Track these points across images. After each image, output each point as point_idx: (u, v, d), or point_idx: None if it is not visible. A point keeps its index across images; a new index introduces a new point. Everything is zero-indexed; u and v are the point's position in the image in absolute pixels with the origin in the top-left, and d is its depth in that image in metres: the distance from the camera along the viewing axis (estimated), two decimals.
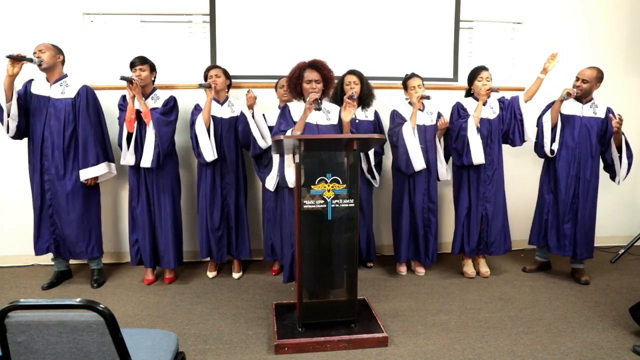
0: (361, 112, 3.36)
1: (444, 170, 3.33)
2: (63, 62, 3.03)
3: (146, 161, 3.00)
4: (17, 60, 2.75)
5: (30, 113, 2.97)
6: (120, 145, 3.07)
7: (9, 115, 2.86)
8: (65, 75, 3.03)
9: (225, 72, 3.22)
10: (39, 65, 2.88)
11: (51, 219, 3.05)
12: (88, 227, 3.10)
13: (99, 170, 3.05)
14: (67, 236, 3.05)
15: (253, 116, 3.22)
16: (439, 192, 3.43)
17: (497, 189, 3.30)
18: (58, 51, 2.98)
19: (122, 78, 2.90)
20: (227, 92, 3.30)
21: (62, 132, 2.97)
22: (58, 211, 3.02)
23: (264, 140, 3.20)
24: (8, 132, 2.93)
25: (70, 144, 3.00)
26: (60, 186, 2.99)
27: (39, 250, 3.09)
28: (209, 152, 3.07)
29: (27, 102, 2.96)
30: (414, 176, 3.23)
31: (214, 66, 3.23)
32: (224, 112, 3.21)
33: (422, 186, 3.25)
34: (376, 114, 3.42)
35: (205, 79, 3.19)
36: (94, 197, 3.16)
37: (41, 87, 2.98)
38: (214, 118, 3.15)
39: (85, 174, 3.01)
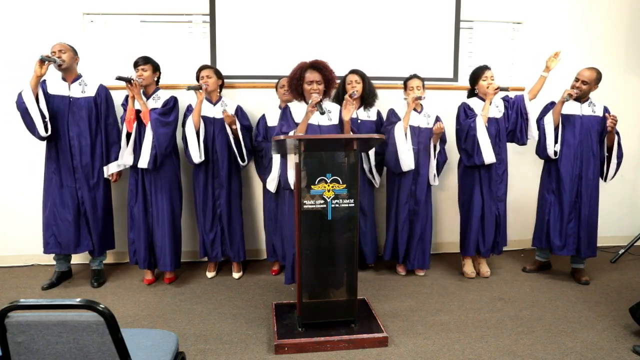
0: (363, 112, 3.35)
1: (431, 176, 3.28)
2: (78, 63, 3.06)
3: (143, 162, 3.01)
4: (44, 61, 2.76)
5: (51, 114, 2.95)
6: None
7: (44, 116, 2.86)
8: (81, 75, 3.07)
9: (216, 72, 3.20)
10: (59, 66, 2.89)
11: (86, 217, 3.09)
12: (110, 222, 3.24)
13: (121, 164, 3.12)
14: (97, 232, 3.13)
15: (234, 132, 3.18)
16: (434, 194, 3.41)
17: (506, 188, 3.31)
18: (75, 52, 3.03)
19: (118, 78, 2.89)
20: (220, 92, 3.29)
21: (89, 130, 3.02)
22: (87, 209, 3.08)
23: (243, 161, 3.23)
24: (46, 132, 2.88)
25: (96, 141, 3.06)
26: (89, 184, 3.06)
27: (80, 249, 3.12)
28: (196, 154, 3.07)
29: (47, 102, 2.94)
30: (400, 176, 3.22)
31: (205, 66, 3.20)
32: (216, 112, 3.19)
33: (408, 187, 3.23)
34: (379, 114, 3.42)
35: (197, 79, 3.18)
36: (109, 194, 3.25)
37: (59, 88, 3.00)
38: (206, 118, 3.14)
39: (109, 170, 3.11)
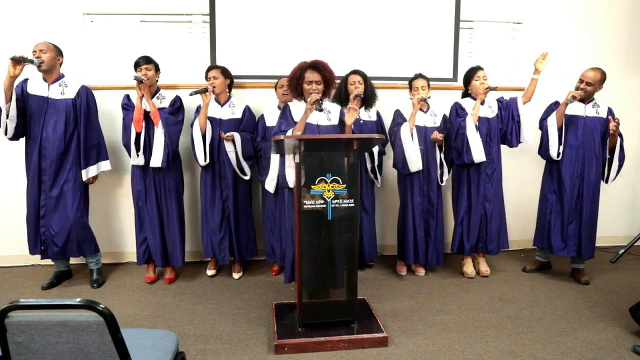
0: (364, 112, 3.36)
1: (438, 176, 3.29)
2: (61, 64, 3.03)
3: (156, 161, 3.01)
4: (19, 61, 2.74)
5: (28, 114, 2.95)
6: (125, 145, 3.08)
7: (7, 117, 2.84)
8: (63, 75, 3.03)
9: (224, 72, 3.20)
10: (39, 66, 2.87)
11: (43, 220, 3.02)
12: (83, 225, 3.10)
13: (99, 168, 3.10)
14: (61, 236, 3.02)
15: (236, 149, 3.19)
16: (442, 194, 3.41)
17: (496, 188, 3.30)
18: (58, 52, 2.98)
19: (136, 78, 2.90)
20: (229, 92, 3.30)
21: (64, 133, 2.97)
22: (51, 211, 3.00)
23: (244, 174, 3.25)
24: (6, 134, 2.91)
25: (70, 144, 3.00)
26: (56, 186, 2.99)
27: (34, 250, 3.08)
28: (201, 157, 3.09)
29: (25, 102, 2.94)
30: (411, 177, 3.23)
31: (212, 67, 3.21)
32: (223, 113, 3.21)
33: (419, 187, 3.25)
34: (378, 114, 3.43)
35: (206, 79, 3.19)
36: (86, 196, 3.17)
37: (39, 88, 2.97)
38: (213, 119, 3.15)
39: (87, 173, 3.04)
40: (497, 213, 3.32)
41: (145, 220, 3.16)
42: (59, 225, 3.00)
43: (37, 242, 3.05)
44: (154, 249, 3.18)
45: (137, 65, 3.03)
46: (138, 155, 3.02)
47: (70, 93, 3.00)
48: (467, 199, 3.29)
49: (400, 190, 3.38)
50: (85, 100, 3.02)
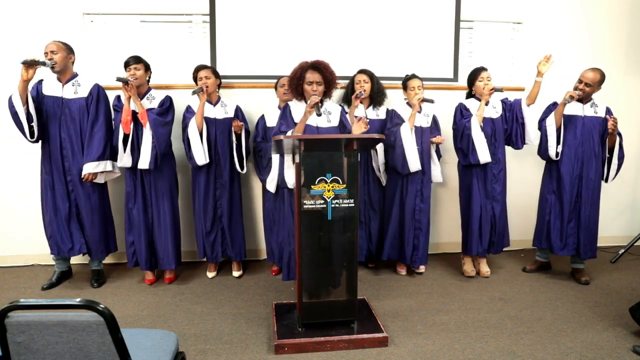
0: (372, 110, 3.37)
1: (438, 173, 3.35)
2: (73, 62, 3.02)
3: (144, 163, 2.99)
4: (31, 65, 2.73)
5: (44, 115, 2.94)
6: (117, 146, 3.06)
7: (31, 120, 2.83)
8: (76, 75, 3.03)
9: (214, 72, 3.20)
10: (52, 68, 2.86)
11: (78, 218, 3.06)
12: (107, 225, 3.20)
13: (99, 166, 2.99)
14: (91, 235, 3.09)
15: (239, 138, 3.21)
16: (433, 192, 3.42)
17: (503, 188, 3.31)
18: (70, 51, 2.98)
19: (119, 79, 2.88)
20: (218, 91, 3.28)
21: (80, 133, 2.98)
22: (82, 211, 3.05)
23: (242, 168, 3.28)
24: (32, 137, 2.88)
25: None
26: (82, 186, 3.02)
27: (73, 252, 3.08)
28: (201, 156, 3.07)
29: (40, 103, 2.93)
30: (407, 176, 3.23)
31: (202, 66, 3.19)
32: (217, 112, 3.20)
33: (415, 187, 3.25)
34: (387, 112, 3.41)
35: (195, 79, 3.18)
36: (107, 196, 3.21)
37: (53, 88, 2.97)
38: (207, 119, 3.14)
39: (86, 169, 2.94)
40: (503, 213, 3.34)
41: (134, 223, 3.15)
42: (96, 225, 3.09)
43: (78, 243, 3.06)
44: (140, 252, 3.16)
45: (126, 65, 3.00)
46: (123, 157, 2.99)
47: (84, 92, 3.00)
48: (478, 200, 3.28)
49: (389, 189, 3.36)
50: (95, 99, 3.00)
